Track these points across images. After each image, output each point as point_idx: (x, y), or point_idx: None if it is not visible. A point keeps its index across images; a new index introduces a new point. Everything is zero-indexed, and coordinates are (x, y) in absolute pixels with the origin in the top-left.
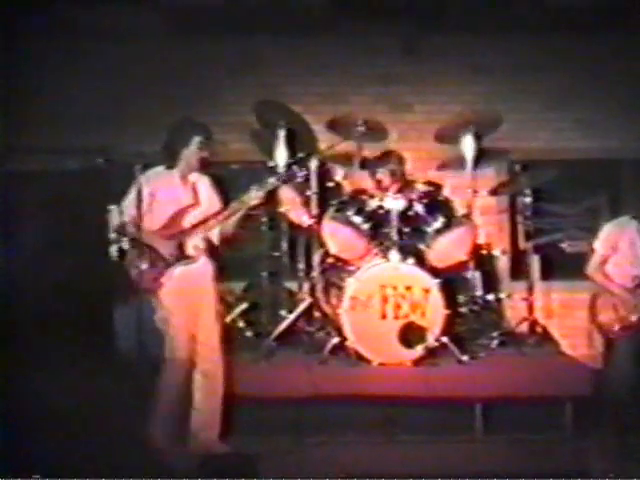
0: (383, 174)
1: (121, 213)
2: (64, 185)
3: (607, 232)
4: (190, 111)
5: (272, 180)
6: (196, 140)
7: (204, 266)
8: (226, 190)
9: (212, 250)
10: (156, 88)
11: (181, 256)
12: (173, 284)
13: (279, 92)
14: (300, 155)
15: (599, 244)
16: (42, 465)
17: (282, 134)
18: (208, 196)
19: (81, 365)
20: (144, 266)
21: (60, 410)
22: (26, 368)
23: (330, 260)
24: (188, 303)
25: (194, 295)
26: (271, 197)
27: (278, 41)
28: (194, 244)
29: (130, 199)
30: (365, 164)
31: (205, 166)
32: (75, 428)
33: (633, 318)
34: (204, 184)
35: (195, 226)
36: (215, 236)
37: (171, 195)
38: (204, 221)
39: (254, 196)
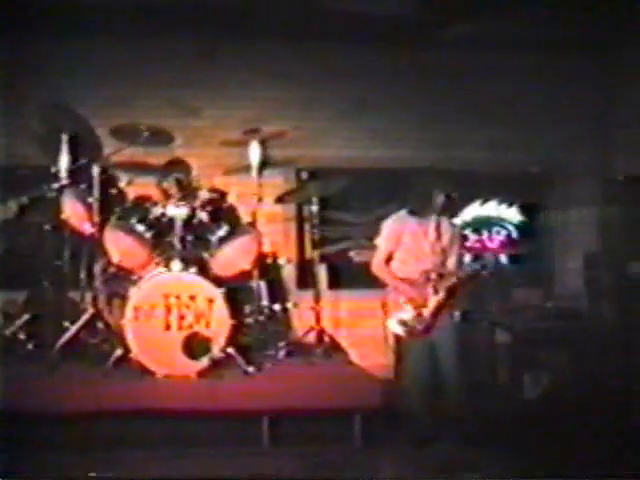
0: (169, 183)
1: None
2: None
3: (388, 227)
4: None
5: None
6: None
7: None
8: None
9: None
10: None
11: None
12: None
13: (66, 95)
14: (82, 161)
15: (382, 240)
16: None
17: (65, 139)
18: None
19: None
20: None
21: None
22: None
23: (112, 269)
24: None
25: None
26: (53, 204)
27: (65, 42)
28: None
29: None
30: (150, 171)
31: None
32: None
33: (425, 314)
34: None
35: None
36: None
37: None
38: None
39: (7, 208)
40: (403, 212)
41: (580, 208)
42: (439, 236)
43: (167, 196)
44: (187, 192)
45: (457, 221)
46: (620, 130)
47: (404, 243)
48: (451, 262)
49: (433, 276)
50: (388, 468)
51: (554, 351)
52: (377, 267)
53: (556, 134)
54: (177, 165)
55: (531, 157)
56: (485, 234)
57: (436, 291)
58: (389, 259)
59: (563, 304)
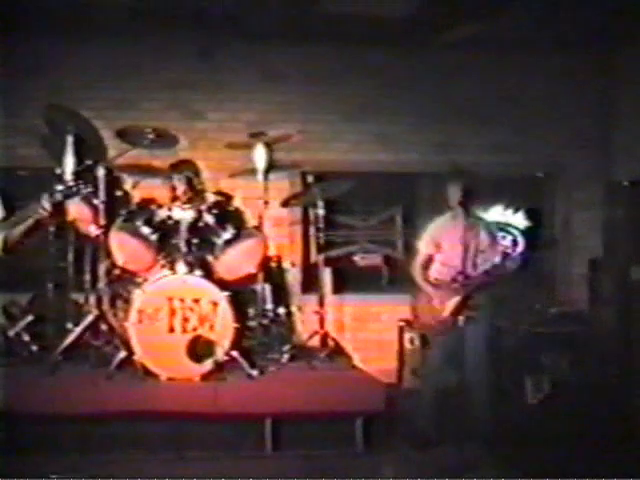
0: (179, 180)
1: None
2: None
3: (429, 231)
4: None
5: (59, 193)
6: None
7: None
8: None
9: None
10: None
11: None
12: None
13: (69, 97)
14: (88, 162)
15: (422, 244)
16: None
17: (70, 140)
18: None
19: None
20: None
21: None
22: None
23: (117, 272)
24: None
25: None
26: (58, 206)
27: (70, 43)
28: None
29: None
30: (156, 173)
31: None
32: None
33: (445, 313)
34: None
35: None
36: None
37: None
38: None
39: (42, 207)
40: (447, 215)
41: (585, 213)
42: (477, 240)
43: (174, 195)
44: (194, 193)
45: None
46: (625, 134)
47: (444, 247)
48: (484, 266)
49: (460, 278)
50: (390, 472)
51: (558, 355)
52: (413, 269)
53: (561, 138)
54: (185, 166)
55: (535, 161)
56: None
57: (458, 293)
58: (429, 262)
59: (568, 309)
